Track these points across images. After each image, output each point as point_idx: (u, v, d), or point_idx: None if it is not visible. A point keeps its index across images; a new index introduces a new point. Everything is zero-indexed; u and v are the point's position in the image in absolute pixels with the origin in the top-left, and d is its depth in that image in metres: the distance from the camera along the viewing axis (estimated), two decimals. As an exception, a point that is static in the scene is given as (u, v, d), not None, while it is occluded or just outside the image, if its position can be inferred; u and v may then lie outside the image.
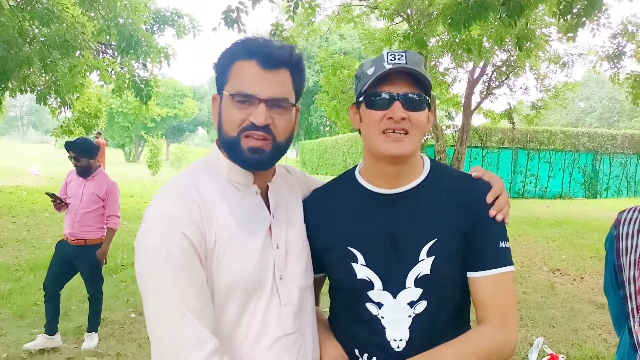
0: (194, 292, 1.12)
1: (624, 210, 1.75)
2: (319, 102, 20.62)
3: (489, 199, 1.32)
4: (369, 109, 1.27)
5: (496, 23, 7.64)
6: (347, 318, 1.35)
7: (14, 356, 3.84)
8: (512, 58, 15.49)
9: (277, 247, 1.28)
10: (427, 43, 9.16)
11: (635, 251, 1.62)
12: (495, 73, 17.14)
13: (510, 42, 11.94)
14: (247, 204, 1.27)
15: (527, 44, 9.64)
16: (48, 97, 11.43)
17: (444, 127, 18.56)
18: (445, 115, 36.51)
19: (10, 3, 10.26)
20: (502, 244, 1.32)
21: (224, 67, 1.25)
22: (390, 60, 1.24)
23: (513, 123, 17.83)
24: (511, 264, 1.34)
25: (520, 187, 19.15)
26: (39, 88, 11.41)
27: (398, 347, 1.26)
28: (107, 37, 10.64)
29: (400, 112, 1.23)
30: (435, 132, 17.38)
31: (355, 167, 1.44)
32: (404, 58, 1.24)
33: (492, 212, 1.31)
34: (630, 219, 1.69)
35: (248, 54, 1.21)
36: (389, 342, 1.27)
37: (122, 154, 46.25)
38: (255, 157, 1.21)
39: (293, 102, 1.27)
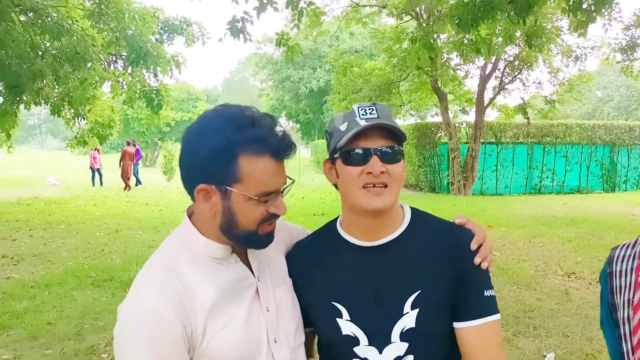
0: None
1: (617, 247, 1.70)
2: (330, 103, 20.61)
3: (473, 246, 1.31)
4: (346, 165, 1.26)
5: (504, 21, 7.54)
6: None
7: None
8: (524, 52, 15.28)
9: (268, 310, 1.26)
10: (434, 46, 9.07)
11: (629, 290, 1.58)
12: (507, 68, 16.96)
13: (520, 38, 11.80)
14: (230, 275, 1.23)
15: (538, 40, 9.51)
16: (62, 108, 11.60)
17: (457, 124, 18.42)
18: (460, 110, 36.23)
19: (22, 18, 10.41)
20: (486, 293, 1.31)
21: (224, 160, 1.14)
22: (362, 115, 1.25)
23: (527, 118, 17.63)
24: (497, 312, 1.31)
25: (537, 182, 18.92)
26: (52, 100, 11.55)
27: None
28: (117, 49, 10.72)
29: (378, 166, 1.23)
30: (448, 130, 17.26)
31: (337, 219, 1.43)
32: (375, 112, 1.25)
33: (476, 260, 1.30)
34: (623, 256, 1.64)
35: (260, 149, 1.15)
36: None
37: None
38: (269, 239, 1.24)
39: None
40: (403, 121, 26.69)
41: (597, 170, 19.12)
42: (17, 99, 10.97)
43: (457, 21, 7.36)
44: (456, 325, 1.30)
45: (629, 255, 1.63)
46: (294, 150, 1.21)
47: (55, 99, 11.51)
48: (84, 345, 4.48)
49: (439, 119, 19.02)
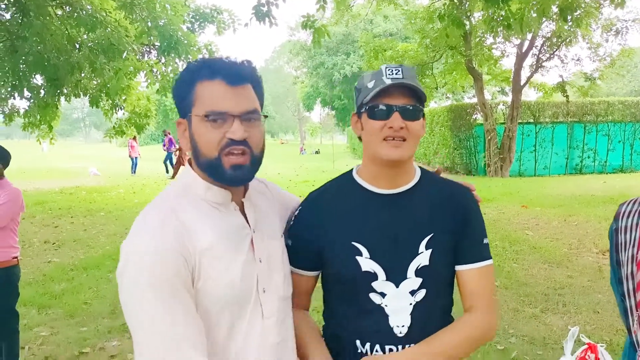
0: (186, 322, 1.14)
1: (624, 202, 1.66)
2: (362, 87, 20.50)
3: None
4: (371, 119, 1.39)
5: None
6: (349, 310, 1.44)
7: (63, 354, 4.09)
8: (561, 28, 14.78)
9: (260, 261, 1.31)
10: (464, 22, 8.86)
11: (633, 246, 1.54)
12: (545, 45, 16.47)
13: (556, 13, 11.40)
14: (228, 222, 1.28)
15: (574, 14, 9.18)
16: (100, 99, 11.93)
17: (493, 105, 18.02)
18: (499, 91, 35.40)
19: (58, 12, 10.71)
20: (484, 241, 1.48)
21: (185, 91, 1.26)
22: (389, 75, 1.37)
23: (567, 95, 17.10)
24: (491, 257, 1.49)
25: (578, 162, 18.37)
26: (91, 92, 11.88)
27: (400, 333, 1.38)
28: (150, 39, 10.93)
29: (399, 121, 1.36)
30: (483, 110, 16.93)
31: (351, 170, 1.56)
32: (400, 73, 1.38)
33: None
34: (630, 211, 1.60)
35: (211, 74, 1.23)
36: (392, 328, 1.39)
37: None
38: (238, 173, 1.24)
39: (261, 113, 1.31)
40: (435, 104, 26.29)
41: (641, 148, 18.42)
42: (57, 91, 11.33)
43: (486, -4, 7.18)
44: (460, 268, 1.45)
45: (635, 211, 1.58)
46: (250, 78, 1.27)
47: (93, 90, 11.83)
48: (117, 323, 4.66)
49: (475, 100, 18.64)
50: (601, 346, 3.56)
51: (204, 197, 1.28)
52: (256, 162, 1.28)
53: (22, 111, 11.49)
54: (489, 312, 1.44)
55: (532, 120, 18.02)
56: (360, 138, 1.49)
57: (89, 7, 10.28)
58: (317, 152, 42.55)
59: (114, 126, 13.48)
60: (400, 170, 1.44)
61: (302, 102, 57.04)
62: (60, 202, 11.99)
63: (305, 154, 40.92)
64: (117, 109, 12.62)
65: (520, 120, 17.16)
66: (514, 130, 16.80)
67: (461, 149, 18.35)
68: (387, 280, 1.39)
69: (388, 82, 1.35)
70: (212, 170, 1.24)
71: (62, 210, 10.90)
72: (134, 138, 19.84)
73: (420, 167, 1.55)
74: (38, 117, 11.59)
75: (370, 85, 1.39)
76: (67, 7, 10.58)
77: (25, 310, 4.80)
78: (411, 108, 1.37)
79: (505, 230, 7.78)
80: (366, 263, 1.39)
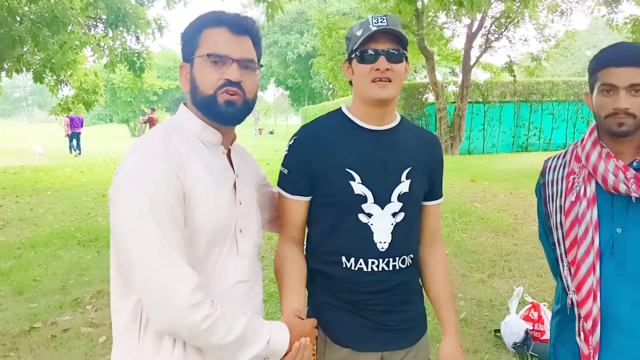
0: (175, 233, 1.22)
1: (549, 158, 1.78)
2: (316, 65, 20.43)
3: None
4: (360, 63, 1.56)
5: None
6: (338, 229, 1.61)
7: (13, 329, 3.99)
8: (510, 9, 15.13)
9: (240, 204, 1.43)
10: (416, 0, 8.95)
11: (560, 197, 1.66)
12: (493, 25, 16.84)
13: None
14: (217, 162, 1.39)
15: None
16: (44, 75, 11.45)
17: (444, 85, 18.35)
18: (449, 72, 36.01)
19: (-4, -18, 10.16)
20: (442, 179, 1.76)
21: (192, 36, 1.38)
22: (375, 23, 1.53)
23: (514, 76, 17.59)
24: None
25: (524, 140, 19.03)
26: (34, 67, 11.38)
27: (382, 248, 1.58)
28: (96, 12, 10.53)
29: (384, 64, 1.52)
30: (435, 90, 17.22)
31: (340, 109, 1.72)
32: (385, 21, 1.53)
33: None
34: (555, 165, 1.72)
35: (217, 22, 1.36)
36: (376, 244, 1.58)
37: (128, 130, 46.30)
38: (229, 110, 1.35)
39: (257, 63, 1.44)
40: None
41: (584, 127, 19.19)
42: (-2, 66, 10.81)
43: (437, -27, 7.28)
44: (428, 204, 1.73)
45: (560, 165, 1.71)
46: (250, 32, 1.42)
47: (37, 65, 11.35)
48: (69, 298, 4.58)
49: (427, 80, 18.91)
50: (544, 305, 3.77)
51: (199, 135, 1.39)
52: (248, 105, 1.39)
53: (-41, 88, 10.90)
54: (442, 242, 1.82)
55: (481, 100, 18.50)
56: (351, 83, 1.66)
57: (30, -24, 9.81)
58: (271, 133, 42.33)
59: (59, 103, 12.99)
60: (387, 109, 1.61)
61: (255, 81, 56.29)
62: (4, 182, 11.54)
63: (257, 134, 40.63)
64: (62, 84, 12.17)
65: (469, 100, 17.57)
66: (464, 109, 17.20)
67: (413, 128, 18.64)
68: (374, 203, 1.57)
69: (374, 28, 1.51)
70: (207, 107, 1.36)
71: (7, 189, 10.49)
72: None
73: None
74: (-23, 93, 11.02)
75: (358, 33, 1.55)
76: (7, -23, 10.06)
77: (-30, 288, 4.66)
78: (395, 52, 1.53)
79: (455, 203, 8.02)
80: (358, 187, 1.57)
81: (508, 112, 18.71)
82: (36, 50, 10.93)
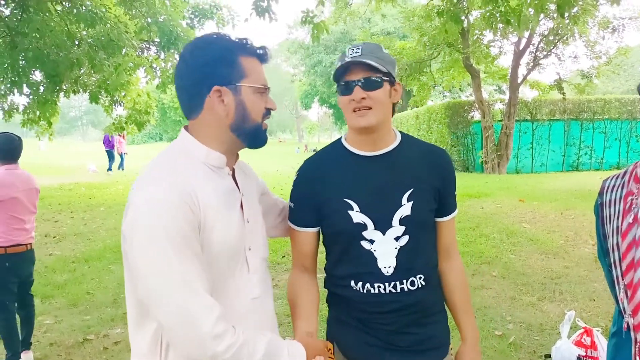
0: (195, 264, 1.22)
1: (607, 178, 1.74)
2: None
3: None
4: (341, 95, 1.60)
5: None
6: (344, 257, 1.65)
7: (67, 340, 4.15)
8: (558, 25, 14.86)
9: (248, 222, 1.45)
10: (461, 18, 8.93)
11: (617, 218, 1.62)
12: (542, 42, 16.54)
13: (554, 10, 11.46)
14: (224, 185, 1.40)
15: (572, 11, 9.25)
16: (99, 96, 11.95)
17: (490, 103, 18.08)
18: (496, 90, 35.46)
19: (58, 8, 10.73)
20: (455, 192, 1.73)
21: (229, 61, 1.36)
22: (349, 55, 1.55)
23: (563, 93, 17.18)
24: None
25: (575, 159, 18.47)
26: (90, 88, 11.89)
27: (387, 272, 1.59)
28: (149, 35, 10.96)
29: (360, 94, 1.54)
30: (481, 108, 17.00)
31: (341, 137, 1.76)
32: (360, 50, 1.55)
33: None
34: (613, 186, 1.68)
35: (250, 52, 1.41)
36: (380, 269, 1.59)
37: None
38: (266, 137, 1.48)
39: None
40: (432, 102, 26.31)
41: (638, 145, 18.50)
42: (57, 87, 11.34)
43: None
44: (441, 219, 1.72)
45: (618, 185, 1.67)
46: (269, 59, 1.48)
47: (93, 86, 11.86)
48: (120, 312, 4.72)
49: (473, 98, 18.69)
50: (597, 330, 3.64)
51: (205, 160, 1.38)
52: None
53: (21, 107, 11.48)
54: (458, 253, 1.82)
55: (529, 118, 18.10)
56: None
57: (88, 2, 10.31)
58: (314, 150, 42.54)
59: (113, 122, 13.50)
60: (376, 135, 1.62)
61: (299, 100, 57.09)
62: (60, 198, 12.02)
63: (299, 152, 40.93)
64: (116, 104, 12.65)
65: (517, 118, 17.24)
66: (511, 128, 16.88)
67: (458, 146, 18.42)
68: (375, 229, 1.59)
69: (348, 59, 1.54)
70: (254, 133, 1.42)
71: (62, 205, 10.94)
72: (122, 136, 19.84)
73: (401, 131, 1.73)
74: (37, 113, 11.58)
75: (337, 65, 1.58)
76: (67, 3, 10.60)
77: (29, 300, 4.86)
78: (370, 80, 1.54)
79: (502, 223, 7.85)
80: (357, 216, 1.60)
81: (558, 130, 18.22)
82: (92, 72, 11.42)
